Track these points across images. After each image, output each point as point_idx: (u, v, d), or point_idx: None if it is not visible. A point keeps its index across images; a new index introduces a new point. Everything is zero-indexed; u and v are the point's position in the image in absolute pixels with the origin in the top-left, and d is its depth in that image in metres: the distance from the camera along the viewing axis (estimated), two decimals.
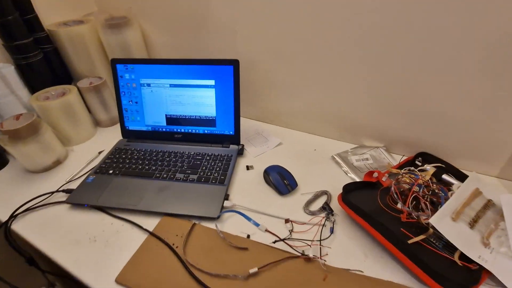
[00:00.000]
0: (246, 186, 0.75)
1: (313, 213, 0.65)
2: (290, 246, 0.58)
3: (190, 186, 0.73)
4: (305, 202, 0.69)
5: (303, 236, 0.60)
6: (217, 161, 0.80)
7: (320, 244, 0.58)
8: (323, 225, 0.62)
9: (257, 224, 0.63)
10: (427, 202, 0.60)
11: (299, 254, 0.56)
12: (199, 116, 0.86)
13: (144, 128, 0.89)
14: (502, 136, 0.67)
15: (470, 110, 0.66)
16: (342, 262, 0.55)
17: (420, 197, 0.61)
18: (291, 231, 0.61)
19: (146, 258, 0.57)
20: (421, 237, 0.54)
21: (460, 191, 0.62)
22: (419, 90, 0.69)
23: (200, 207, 0.67)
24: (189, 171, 0.77)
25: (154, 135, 0.89)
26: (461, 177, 0.69)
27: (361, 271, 0.53)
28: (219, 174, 0.76)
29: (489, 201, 0.61)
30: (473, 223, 0.57)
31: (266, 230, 0.62)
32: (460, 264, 0.50)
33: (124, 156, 0.82)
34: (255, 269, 0.53)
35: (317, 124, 0.90)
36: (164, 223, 0.64)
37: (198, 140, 0.88)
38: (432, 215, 0.56)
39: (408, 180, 0.65)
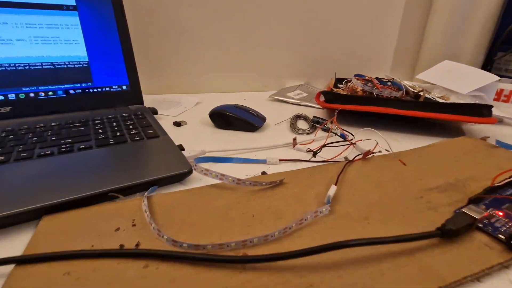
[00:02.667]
0: (192, 138, 0.45)
1: (305, 132, 0.47)
2: (324, 159, 0.37)
3: (93, 155, 0.34)
4: (289, 126, 0.49)
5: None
6: (123, 122, 0.44)
7: (351, 143, 0.40)
8: (335, 133, 0.45)
9: (262, 161, 0.37)
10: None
11: (348, 159, 0.36)
12: (54, 63, 0.46)
13: None
14: (384, 44, 0.80)
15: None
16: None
17: (379, 85, 0.59)
18: (309, 150, 0.40)
19: None
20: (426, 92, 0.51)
21: None
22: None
23: (143, 169, 0.31)
24: (76, 140, 0.37)
25: None
26: None
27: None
28: (141, 131, 0.41)
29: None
30: None
31: (281, 160, 0.37)
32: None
33: None
34: (333, 189, 0.28)
35: (237, 80, 0.74)
36: (50, 230, 0.24)
37: (58, 109, 0.46)
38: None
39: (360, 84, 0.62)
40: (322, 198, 0.28)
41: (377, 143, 0.38)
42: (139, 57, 0.54)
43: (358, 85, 0.58)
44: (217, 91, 0.73)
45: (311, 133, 0.47)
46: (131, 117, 0.46)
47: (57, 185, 0.27)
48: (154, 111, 0.52)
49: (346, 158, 0.38)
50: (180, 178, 0.31)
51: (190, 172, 0.31)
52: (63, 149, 0.34)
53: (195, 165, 0.30)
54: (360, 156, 0.36)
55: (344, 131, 0.45)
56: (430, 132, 0.48)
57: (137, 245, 0.22)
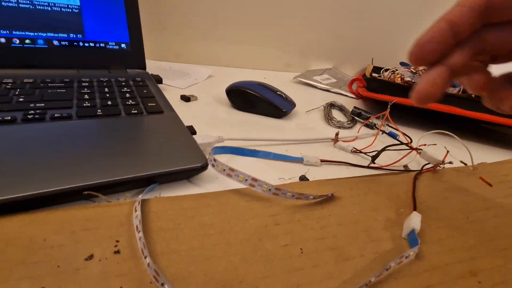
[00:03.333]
0: (205, 118, 0.35)
1: (344, 125, 0.38)
2: (379, 166, 0.28)
3: (70, 128, 0.24)
4: (322, 115, 0.40)
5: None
6: (117, 88, 0.34)
7: (415, 149, 0.31)
8: (383, 132, 0.36)
9: (298, 159, 0.27)
10: None
11: (409, 169, 0.27)
12: (34, 3, 0.35)
13: None
14: None
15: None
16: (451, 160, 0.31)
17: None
18: (356, 150, 0.31)
19: None
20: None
21: None
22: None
23: (139, 158, 0.22)
24: (52, 105, 0.28)
25: None
26: None
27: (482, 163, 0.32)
28: (141, 102, 0.31)
29: None
30: None
31: (322, 161, 0.28)
32: None
33: None
34: (416, 220, 0.19)
35: (256, 54, 0.63)
36: None
37: (35, 63, 0.36)
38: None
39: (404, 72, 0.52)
40: (396, 228, 0.19)
41: (448, 151, 0.29)
42: (144, 12, 0.43)
43: (406, 75, 0.48)
44: (232, 65, 0.63)
45: (351, 127, 0.38)
46: (129, 83, 0.36)
47: (4, 172, 0.18)
48: (159, 80, 0.42)
49: (406, 167, 0.29)
50: (189, 174, 0.22)
51: (204, 167, 0.22)
52: (29, 116, 0.24)
53: (214, 160, 0.21)
54: (429, 167, 0.27)
55: (401, 132, 0.35)
56: (492, 141, 0.39)
57: None
